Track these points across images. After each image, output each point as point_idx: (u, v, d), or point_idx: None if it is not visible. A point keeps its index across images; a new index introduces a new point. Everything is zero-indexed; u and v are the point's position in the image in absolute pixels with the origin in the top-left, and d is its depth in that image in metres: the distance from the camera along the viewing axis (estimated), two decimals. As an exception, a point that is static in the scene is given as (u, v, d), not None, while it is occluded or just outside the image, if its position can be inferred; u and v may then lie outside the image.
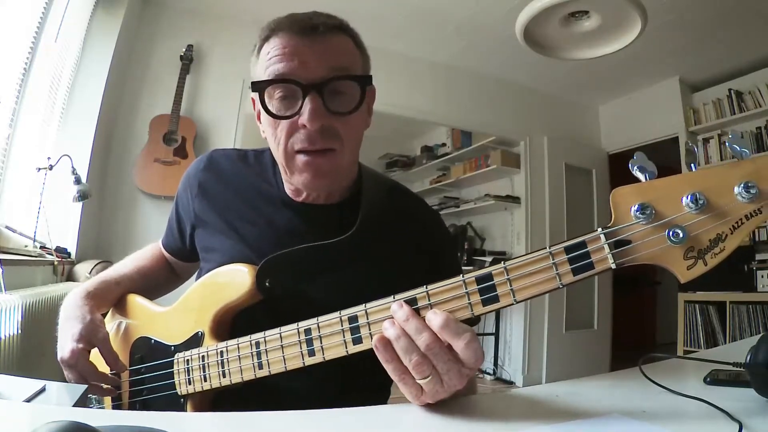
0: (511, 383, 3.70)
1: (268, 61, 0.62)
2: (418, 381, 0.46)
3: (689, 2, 2.69)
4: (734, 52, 3.21)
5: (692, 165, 0.44)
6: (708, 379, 0.57)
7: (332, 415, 0.49)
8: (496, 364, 3.82)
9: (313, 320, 0.54)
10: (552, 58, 2.60)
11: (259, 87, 0.62)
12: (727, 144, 0.43)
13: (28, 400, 0.51)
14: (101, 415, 0.55)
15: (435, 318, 0.46)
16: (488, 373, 3.86)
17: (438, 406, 0.50)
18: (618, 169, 4.23)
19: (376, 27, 3.00)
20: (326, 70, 0.61)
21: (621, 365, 0.75)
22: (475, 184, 4.47)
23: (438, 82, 3.62)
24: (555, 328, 3.76)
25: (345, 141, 0.64)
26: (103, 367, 0.68)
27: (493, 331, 3.83)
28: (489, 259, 3.88)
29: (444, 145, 4.84)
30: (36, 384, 0.55)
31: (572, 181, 4.02)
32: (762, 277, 2.98)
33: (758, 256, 3.02)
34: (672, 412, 0.48)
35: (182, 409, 0.63)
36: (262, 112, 0.64)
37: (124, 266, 0.83)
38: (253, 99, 0.69)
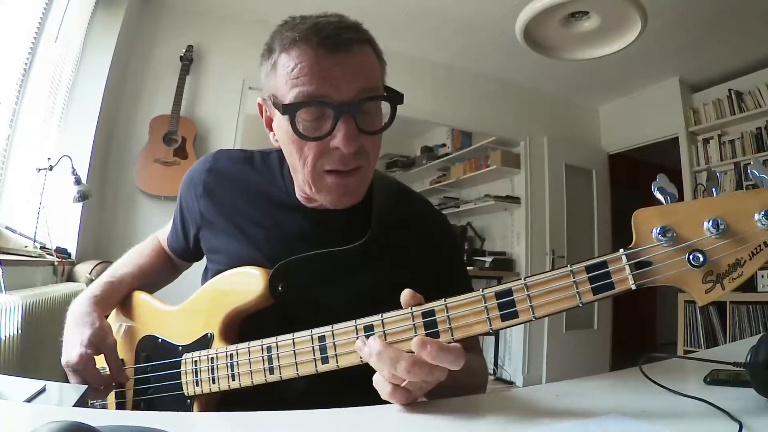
0: (511, 383, 3.70)
1: (294, 80, 0.58)
2: (402, 386, 0.48)
3: (689, 2, 2.69)
4: (734, 52, 3.21)
5: (713, 190, 0.45)
6: (708, 379, 0.57)
7: (335, 414, 0.49)
8: (496, 364, 3.82)
9: (328, 328, 0.53)
10: (552, 58, 2.60)
11: (290, 110, 0.58)
12: (748, 171, 0.44)
13: (28, 400, 0.51)
14: (101, 415, 0.55)
15: (373, 344, 0.48)
16: (488, 373, 3.86)
17: (438, 406, 0.50)
18: (618, 169, 4.24)
19: (376, 27, 2.95)
20: (358, 91, 0.59)
21: (621, 365, 0.75)
22: (475, 185, 4.47)
23: (438, 82, 3.62)
24: (555, 328, 3.76)
25: (372, 157, 0.64)
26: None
27: (493, 331, 3.83)
28: (489, 259, 3.88)
29: (444, 145, 4.84)
30: (36, 384, 0.55)
31: (572, 181, 4.02)
32: (762, 277, 2.98)
33: (758, 256, 3.02)
34: (672, 412, 0.48)
35: (188, 409, 0.63)
36: (287, 129, 0.60)
37: (127, 264, 0.83)
38: (260, 105, 0.67)
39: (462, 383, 0.58)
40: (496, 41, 3.21)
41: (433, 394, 0.51)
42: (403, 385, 0.48)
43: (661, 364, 0.69)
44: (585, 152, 4.18)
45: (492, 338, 3.84)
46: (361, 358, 0.51)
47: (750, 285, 3.00)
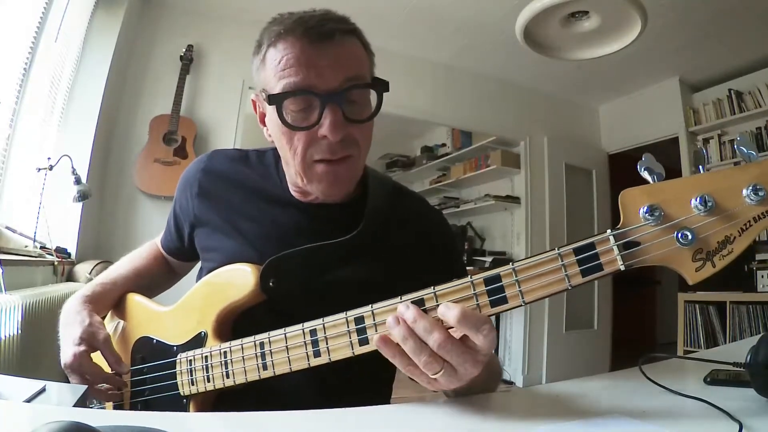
0: (511, 383, 3.70)
1: (281, 72, 0.60)
2: (431, 376, 0.46)
3: (689, 2, 2.68)
4: (734, 52, 3.21)
5: (700, 167, 0.44)
6: (708, 379, 0.57)
7: (334, 414, 0.49)
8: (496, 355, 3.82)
9: (319, 321, 0.53)
10: (552, 58, 2.60)
11: (277, 100, 0.59)
12: (735, 146, 0.44)
13: (28, 400, 0.51)
14: (101, 415, 0.55)
15: (449, 311, 0.44)
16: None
17: (438, 406, 0.50)
18: (618, 169, 4.23)
19: (376, 27, 2.99)
20: (343, 80, 0.60)
21: (621, 365, 0.75)
22: (475, 184, 4.47)
23: (438, 82, 3.62)
24: (555, 328, 3.76)
25: (362, 146, 0.64)
26: (105, 369, 0.67)
27: (493, 331, 3.83)
28: (489, 259, 3.88)
29: (444, 145, 4.84)
30: (36, 384, 0.55)
31: (572, 181, 4.02)
32: (762, 277, 2.98)
33: (758, 256, 3.02)
34: (672, 412, 0.48)
35: (185, 409, 0.63)
36: (277, 121, 0.61)
37: (121, 267, 0.83)
38: (254, 101, 0.68)
39: (490, 386, 0.58)
40: (496, 41, 3.21)
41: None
42: (432, 375, 0.45)
43: (661, 364, 0.69)
44: (585, 152, 4.18)
45: (492, 338, 3.83)
46: (353, 351, 0.51)
47: (750, 285, 3.00)
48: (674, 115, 3.67)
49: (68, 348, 0.65)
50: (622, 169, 4.27)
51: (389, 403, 0.70)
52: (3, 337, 1.26)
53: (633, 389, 0.56)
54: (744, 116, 3.33)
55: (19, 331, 1.33)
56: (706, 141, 3.57)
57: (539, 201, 3.87)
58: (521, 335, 3.69)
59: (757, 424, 0.42)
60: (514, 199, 3.95)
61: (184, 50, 2.78)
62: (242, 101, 2.93)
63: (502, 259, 3.89)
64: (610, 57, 2.48)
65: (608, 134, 4.28)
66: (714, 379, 0.57)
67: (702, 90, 3.67)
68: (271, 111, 0.62)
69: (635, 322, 4.70)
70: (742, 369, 0.48)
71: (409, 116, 3.40)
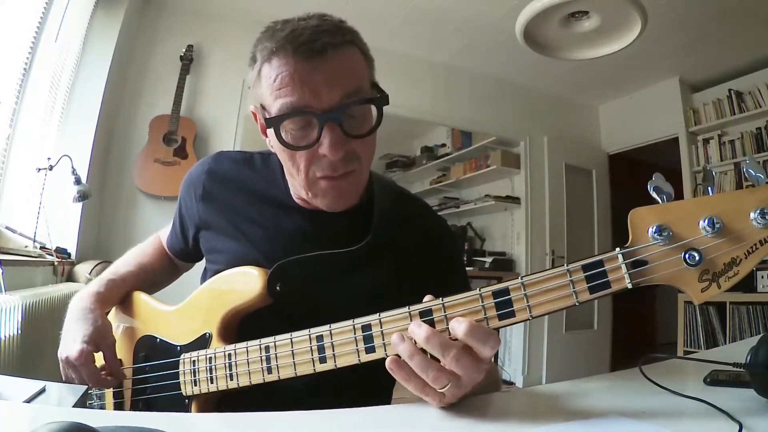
0: (511, 383, 3.70)
1: (277, 91, 0.59)
2: (440, 390, 0.46)
3: (689, 2, 2.69)
4: (734, 52, 3.21)
5: (709, 189, 0.45)
6: (708, 380, 0.57)
7: (334, 414, 0.49)
8: (496, 364, 3.82)
9: (326, 327, 0.53)
10: (552, 58, 2.60)
11: (273, 123, 0.59)
12: (743, 169, 0.44)
13: (28, 401, 0.51)
14: (101, 416, 0.55)
15: (459, 326, 0.45)
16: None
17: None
18: (618, 170, 4.24)
19: (376, 27, 3.00)
20: (340, 96, 0.58)
21: (621, 365, 0.75)
22: (475, 185, 4.47)
23: (438, 82, 3.62)
24: (555, 328, 3.76)
25: (364, 159, 0.64)
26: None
27: (493, 332, 3.83)
28: (489, 259, 3.88)
29: (444, 145, 4.84)
30: (36, 384, 0.55)
31: (572, 181, 4.02)
32: (762, 277, 2.98)
33: (758, 257, 3.02)
34: (672, 413, 0.48)
35: (186, 409, 0.63)
36: (276, 141, 0.60)
37: (128, 263, 0.83)
38: (253, 113, 0.67)
39: (489, 389, 0.59)
40: (496, 41, 3.21)
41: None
42: (440, 389, 0.46)
43: (661, 364, 0.69)
44: (585, 152, 4.19)
45: (492, 338, 3.83)
46: (359, 359, 0.51)
47: (750, 285, 3.00)
48: (674, 115, 3.68)
49: (75, 343, 0.65)
50: (622, 169, 4.27)
51: (390, 404, 0.70)
52: (3, 337, 1.26)
53: (633, 390, 0.56)
54: (744, 116, 3.33)
55: (19, 331, 1.33)
56: (706, 141, 3.57)
57: (539, 201, 3.87)
58: (521, 336, 3.69)
59: (757, 424, 0.42)
60: (514, 200, 3.95)
61: (184, 50, 2.78)
62: (242, 101, 2.93)
63: (502, 259, 3.89)
64: (610, 57, 2.48)
65: (608, 134, 4.28)
66: (714, 380, 0.57)
67: (702, 90, 3.67)
68: (270, 130, 0.62)
69: (635, 322, 4.69)
70: (742, 369, 0.48)
71: (409, 116, 3.40)
